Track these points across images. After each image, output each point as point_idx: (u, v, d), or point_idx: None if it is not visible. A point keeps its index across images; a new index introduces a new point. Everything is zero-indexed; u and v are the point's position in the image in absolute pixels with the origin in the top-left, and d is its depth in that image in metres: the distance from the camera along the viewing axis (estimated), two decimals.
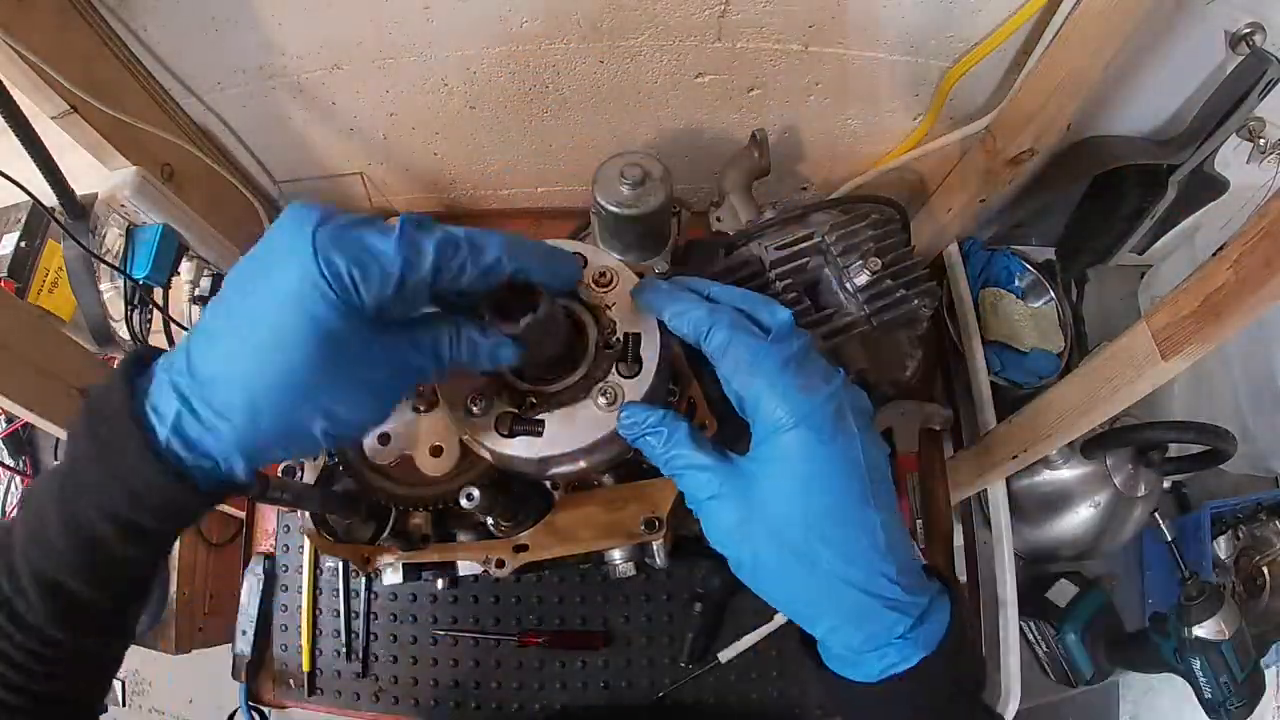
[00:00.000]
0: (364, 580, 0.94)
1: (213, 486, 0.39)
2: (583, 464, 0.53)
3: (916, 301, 0.67)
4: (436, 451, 0.58)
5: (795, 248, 0.70)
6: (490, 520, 0.61)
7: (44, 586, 0.39)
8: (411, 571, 0.62)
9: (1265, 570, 1.09)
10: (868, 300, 0.67)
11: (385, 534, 0.60)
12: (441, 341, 0.42)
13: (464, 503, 0.54)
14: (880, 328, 0.68)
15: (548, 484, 0.61)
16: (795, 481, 0.42)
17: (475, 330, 0.42)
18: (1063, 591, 1.01)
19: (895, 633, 0.41)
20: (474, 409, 0.49)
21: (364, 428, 0.44)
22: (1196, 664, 0.89)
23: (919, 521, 0.93)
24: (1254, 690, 0.89)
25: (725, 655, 0.90)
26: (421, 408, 0.58)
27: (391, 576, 0.62)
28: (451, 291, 0.40)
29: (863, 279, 0.67)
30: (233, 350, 0.37)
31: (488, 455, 0.53)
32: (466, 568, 0.64)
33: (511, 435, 0.49)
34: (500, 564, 0.59)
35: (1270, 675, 1.14)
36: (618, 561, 0.62)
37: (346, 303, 0.36)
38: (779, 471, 0.42)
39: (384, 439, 0.58)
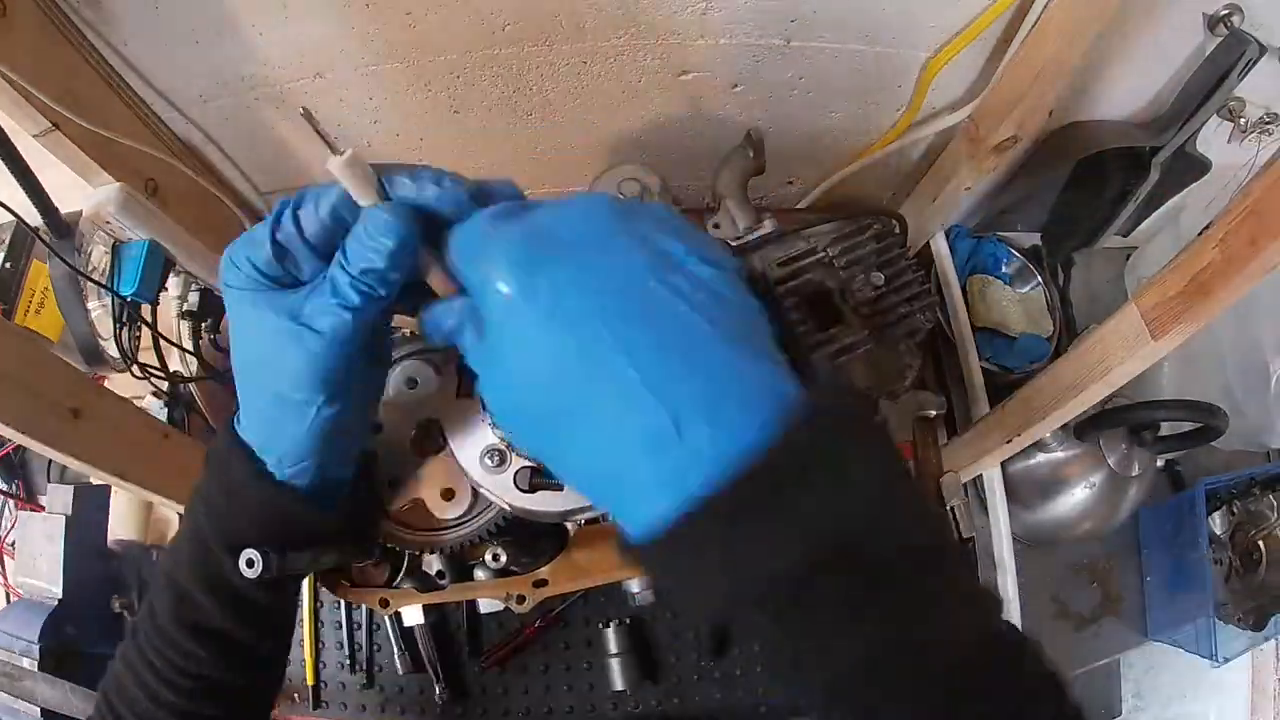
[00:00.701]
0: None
1: (274, 483, 0.44)
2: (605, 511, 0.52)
3: (919, 316, 0.67)
4: (449, 495, 0.56)
5: (798, 263, 0.69)
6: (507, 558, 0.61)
7: (171, 586, 0.47)
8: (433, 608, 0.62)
9: (1261, 544, 1.10)
10: (871, 316, 0.67)
11: (401, 575, 0.60)
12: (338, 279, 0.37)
13: (489, 562, 0.54)
14: (883, 343, 0.68)
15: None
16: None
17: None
18: None
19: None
20: (489, 463, 0.49)
21: (337, 407, 0.41)
22: None
23: None
24: None
25: None
26: (431, 451, 0.57)
27: (413, 616, 0.62)
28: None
29: (867, 294, 0.67)
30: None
31: (507, 508, 0.52)
32: (487, 605, 0.64)
33: (532, 490, 0.48)
34: (521, 600, 0.59)
35: (1269, 647, 1.15)
36: (636, 590, 0.63)
37: (252, 280, 0.39)
38: None
39: (394, 484, 0.57)
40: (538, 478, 0.48)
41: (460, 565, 0.61)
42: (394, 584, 0.59)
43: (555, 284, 0.31)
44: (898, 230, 0.74)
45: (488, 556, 0.53)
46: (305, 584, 0.94)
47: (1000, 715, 0.30)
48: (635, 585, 0.62)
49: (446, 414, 0.50)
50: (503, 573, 0.60)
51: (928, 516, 0.33)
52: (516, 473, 0.48)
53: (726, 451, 0.28)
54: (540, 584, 0.59)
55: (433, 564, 0.60)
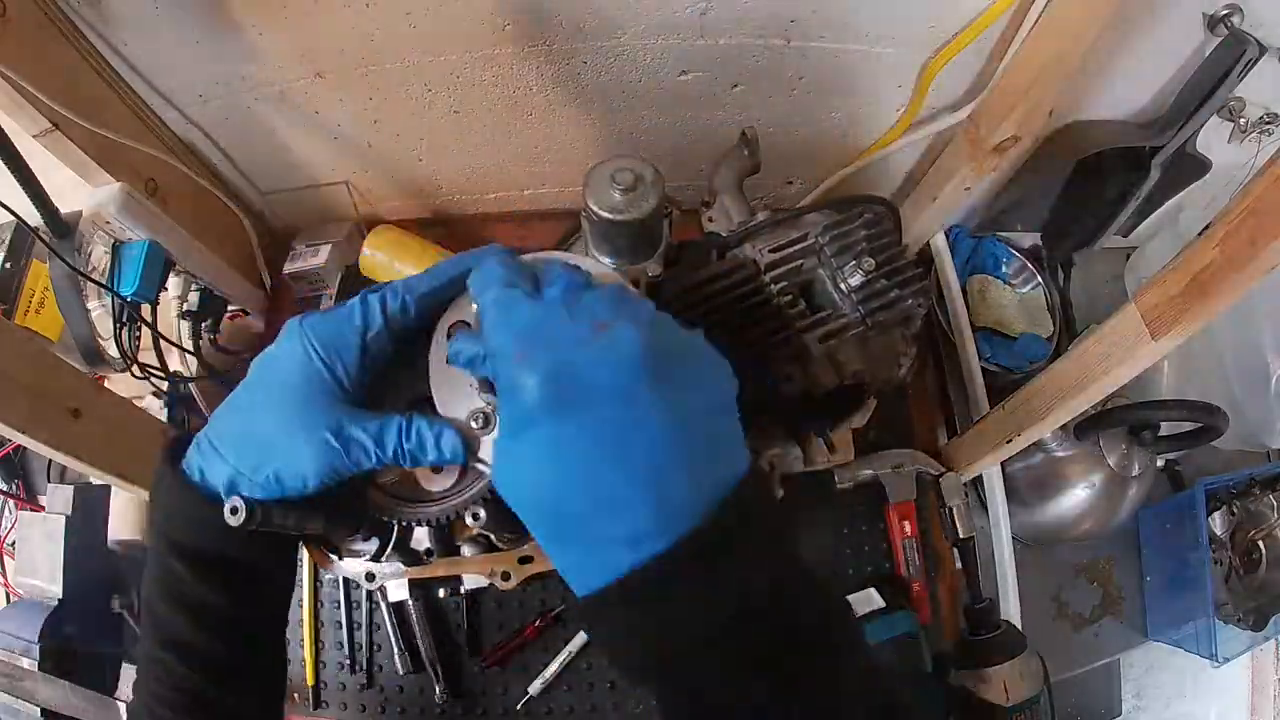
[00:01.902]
0: (364, 591, 0.93)
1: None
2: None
3: (911, 301, 0.67)
4: (438, 468, 0.57)
5: (789, 249, 0.70)
6: (493, 534, 0.61)
7: (147, 608, 0.50)
8: (416, 586, 0.62)
9: (1261, 544, 1.10)
10: (862, 301, 0.67)
11: (388, 550, 0.60)
12: (389, 429, 0.46)
13: (469, 521, 0.54)
14: (875, 327, 0.68)
15: None
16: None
17: (424, 422, 0.46)
18: (867, 600, 0.89)
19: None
20: (475, 426, 0.49)
21: (295, 487, 0.47)
22: None
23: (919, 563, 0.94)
24: None
25: (535, 688, 0.89)
26: None
27: (396, 592, 0.62)
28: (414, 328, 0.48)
29: (857, 279, 0.67)
30: (239, 402, 0.48)
31: (490, 471, 0.53)
32: (472, 581, 0.64)
33: None
34: (506, 576, 0.59)
35: (1269, 647, 1.15)
36: None
37: (328, 369, 0.46)
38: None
39: None
40: None
41: (447, 544, 0.61)
42: (380, 559, 0.60)
43: (571, 431, 0.36)
44: (889, 217, 0.74)
45: (468, 516, 0.53)
46: (306, 584, 0.94)
47: None
48: None
49: (436, 381, 0.51)
50: (488, 548, 0.61)
51: (818, 598, 0.39)
52: None
53: (676, 525, 0.35)
54: (525, 560, 0.59)
55: (421, 541, 0.61)
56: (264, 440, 0.46)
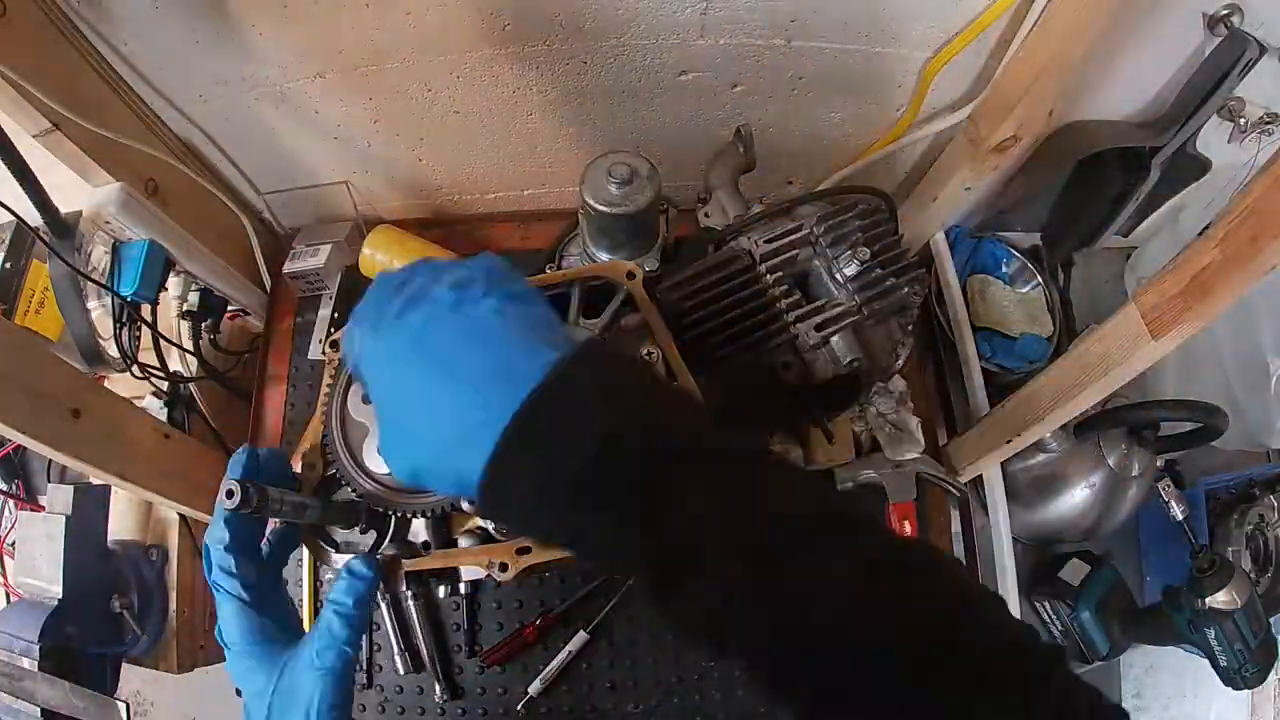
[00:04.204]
0: None
1: None
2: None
3: (906, 289, 0.68)
4: None
5: (783, 240, 0.70)
6: (490, 524, 0.61)
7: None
8: (412, 579, 0.62)
9: (1261, 544, 1.10)
10: (858, 290, 0.68)
11: (385, 542, 0.60)
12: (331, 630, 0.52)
13: (465, 507, 0.54)
14: (871, 316, 0.68)
15: None
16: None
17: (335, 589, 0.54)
18: (1075, 570, 1.03)
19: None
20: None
21: None
22: (1211, 634, 0.91)
23: None
24: (1267, 656, 0.92)
25: (535, 688, 0.90)
26: None
27: (391, 584, 0.62)
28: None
29: (852, 269, 0.68)
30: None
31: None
32: (469, 573, 0.64)
33: None
34: (503, 568, 0.59)
35: None
36: None
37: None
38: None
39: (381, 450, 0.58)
40: None
41: (445, 537, 0.61)
42: (378, 551, 0.60)
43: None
44: (884, 208, 0.74)
45: (464, 501, 0.53)
46: (306, 582, 0.94)
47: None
48: None
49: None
50: (485, 539, 0.60)
51: (687, 418, 0.41)
52: None
53: (508, 404, 0.37)
54: (523, 551, 0.58)
55: (418, 534, 0.60)
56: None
